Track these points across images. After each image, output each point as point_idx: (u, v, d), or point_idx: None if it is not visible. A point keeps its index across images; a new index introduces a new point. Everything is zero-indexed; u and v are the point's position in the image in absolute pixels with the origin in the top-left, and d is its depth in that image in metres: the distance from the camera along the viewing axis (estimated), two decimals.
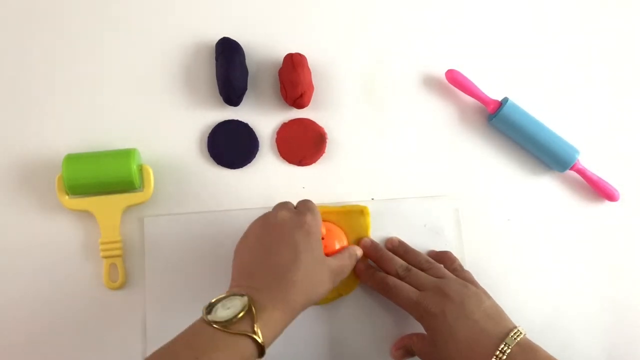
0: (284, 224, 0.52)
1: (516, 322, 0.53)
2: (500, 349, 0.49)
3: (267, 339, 0.45)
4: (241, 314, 0.44)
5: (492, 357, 0.49)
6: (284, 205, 0.55)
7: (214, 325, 0.44)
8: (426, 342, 0.54)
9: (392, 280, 0.56)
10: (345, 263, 0.55)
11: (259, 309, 0.45)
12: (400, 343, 0.58)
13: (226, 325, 0.44)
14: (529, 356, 0.50)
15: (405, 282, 0.56)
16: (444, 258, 0.60)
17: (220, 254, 0.59)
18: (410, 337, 0.57)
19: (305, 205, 0.55)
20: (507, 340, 0.50)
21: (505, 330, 0.51)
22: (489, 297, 0.55)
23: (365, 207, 0.62)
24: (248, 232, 0.54)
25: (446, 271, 0.58)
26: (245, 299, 0.45)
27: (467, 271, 0.59)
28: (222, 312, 0.45)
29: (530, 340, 0.51)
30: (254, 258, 0.51)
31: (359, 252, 0.58)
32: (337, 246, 0.58)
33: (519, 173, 0.66)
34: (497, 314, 0.53)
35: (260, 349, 0.44)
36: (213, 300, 0.47)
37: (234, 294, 0.47)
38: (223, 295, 0.47)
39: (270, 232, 0.52)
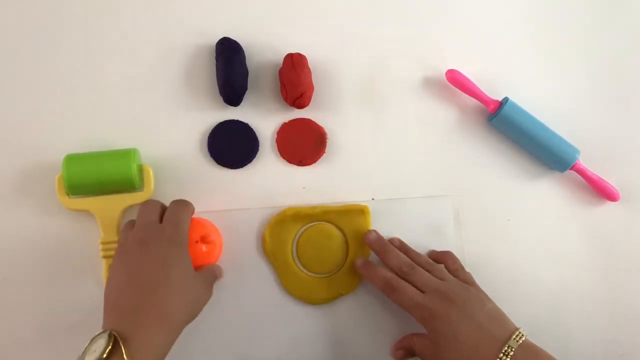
0: (143, 242, 0.50)
1: (516, 322, 0.53)
2: (503, 351, 0.49)
3: None
4: (106, 353, 0.42)
5: (495, 359, 0.49)
6: (139, 221, 0.53)
7: None
8: (427, 343, 0.54)
9: (396, 281, 0.56)
10: (209, 274, 0.55)
11: (127, 339, 0.43)
12: (400, 343, 0.58)
13: None
14: (531, 358, 0.50)
15: (409, 279, 0.56)
16: (445, 258, 0.60)
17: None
18: (411, 337, 0.57)
19: (168, 216, 0.53)
20: (510, 342, 0.50)
21: (508, 332, 0.51)
22: (489, 299, 0.55)
23: (365, 207, 0.62)
24: (111, 266, 0.52)
25: (447, 273, 0.58)
26: (107, 334, 0.43)
27: (467, 273, 0.59)
28: (89, 358, 0.42)
29: (532, 342, 0.51)
30: (118, 286, 0.49)
31: (218, 272, 0.57)
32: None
33: (519, 173, 0.66)
34: (499, 316, 0.54)
35: None
36: (84, 348, 0.44)
37: (98, 334, 0.44)
38: (89, 341, 0.44)
39: (131, 255, 0.50)
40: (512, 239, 0.64)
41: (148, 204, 0.55)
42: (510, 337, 0.50)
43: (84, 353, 0.43)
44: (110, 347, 0.42)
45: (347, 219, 0.61)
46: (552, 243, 0.65)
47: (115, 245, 0.58)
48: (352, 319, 0.60)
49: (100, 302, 0.58)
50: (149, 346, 0.44)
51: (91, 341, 0.44)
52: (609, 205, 0.66)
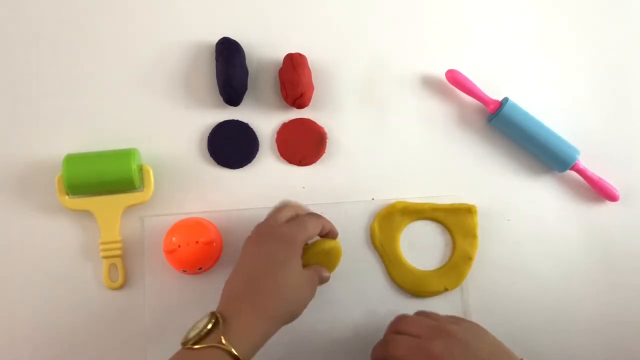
0: (260, 236, 0.53)
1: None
2: None
3: (241, 346, 0.45)
4: (206, 329, 0.45)
5: None
6: (270, 217, 0.55)
7: (187, 347, 0.45)
8: None
9: (389, 336, 0.53)
10: (314, 276, 0.53)
11: (227, 320, 0.46)
12: None
13: (196, 342, 0.45)
14: None
15: (402, 329, 0.52)
16: (427, 313, 0.56)
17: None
18: None
19: (295, 219, 0.54)
20: None
21: None
22: (485, 331, 0.52)
23: (472, 206, 0.62)
24: (242, 248, 0.53)
25: (439, 315, 0.54)
26: (210, 313, 0.47)
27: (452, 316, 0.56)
28: (191, 333, 0.46)
29: None
30: (234, 274, 0.51)
31: (324, 274, 0.55)
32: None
33: (518, 173, 0.66)
34: (501, 348, 0.51)
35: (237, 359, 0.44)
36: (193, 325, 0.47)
37: (206, 314, 0.47)
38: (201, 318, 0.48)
39: (249, 247, 0.53)
40: (512, 239, 0.64)
41: (288, 206, 0.56)
42: None
43: (191, 328, 0.47)
44: (210, 325, 0.46)
45: (455, 218, 0.62)
46: (552, 243, 0.65)
47: (115, 245, 0.58)
48: (351, 317, 0.61)
49: (101, 302, 0.58)
50: (245, 332, 0.46)
51: (201, 319, 0.47)
52: (609, 205, 0.66)
